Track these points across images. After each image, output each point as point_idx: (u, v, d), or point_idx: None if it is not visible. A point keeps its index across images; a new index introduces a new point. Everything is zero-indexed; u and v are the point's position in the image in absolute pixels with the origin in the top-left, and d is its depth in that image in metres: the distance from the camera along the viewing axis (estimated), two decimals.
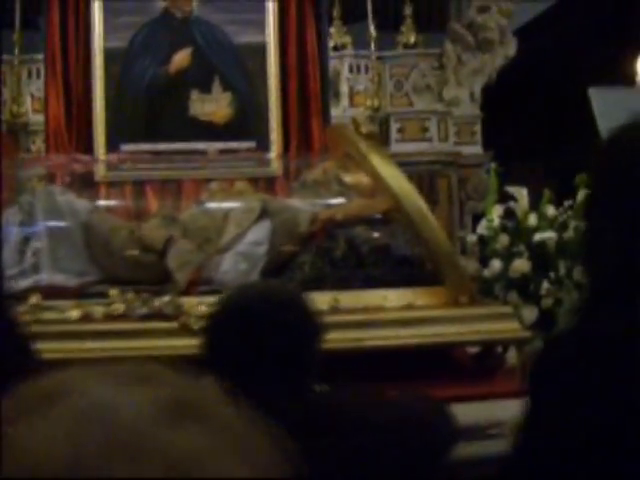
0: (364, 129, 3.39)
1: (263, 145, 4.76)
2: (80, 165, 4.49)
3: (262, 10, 4.72)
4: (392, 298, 3.16)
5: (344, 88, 5.48)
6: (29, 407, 0.57)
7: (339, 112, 5.40)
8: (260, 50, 4.74)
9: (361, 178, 3.44)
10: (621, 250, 1.29)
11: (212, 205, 3.50)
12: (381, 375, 2.88)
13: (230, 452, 0.58)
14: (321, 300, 3.09)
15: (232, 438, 0.59)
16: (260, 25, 4.73)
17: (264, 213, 3.32)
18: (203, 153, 4.67)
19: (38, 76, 5.18)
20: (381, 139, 5.17)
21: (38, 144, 5.10)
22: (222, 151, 4.67)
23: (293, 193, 3.71)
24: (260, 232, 3.25)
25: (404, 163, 5.10)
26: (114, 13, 4.65)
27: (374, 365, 2.94)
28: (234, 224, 3.29)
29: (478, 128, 5.63)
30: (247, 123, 4.78)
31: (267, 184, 4.47)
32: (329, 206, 3.47)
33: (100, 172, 4.61)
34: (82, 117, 4.69)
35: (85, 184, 4.36)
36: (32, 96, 5.27)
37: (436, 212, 4.08)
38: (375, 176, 3.22)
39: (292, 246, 3.25)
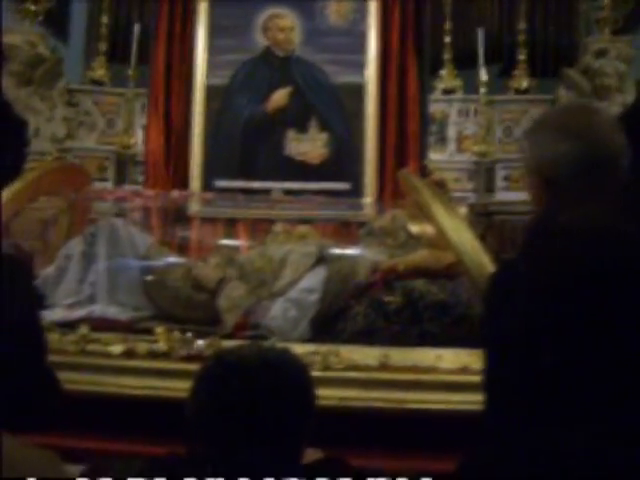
0: (435, 176, 3.22)
1: (357, 187, 4.68)
2: (173, 199, 4.54)
3: (363, 50, 4.66)
4: (446, 358, 2.95)
5: (451, 132, 5.31)
6: None
7: (445, 157, 5.23)
8: (359, 91, 4.67)
9: (428, 228, 3.27)
10: None
11: (271, 248, 3.43)
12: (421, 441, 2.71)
13: None
14: (370, 355, 2.95)
15: None
16: (360, 65, 4.67)
17: (321, 260, 3.21)
18: (297, 193, 4.64)
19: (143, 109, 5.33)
20: (485, 186, 4.95)
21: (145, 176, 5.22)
22: (315, 192, 4.62)
23: (359, 240, 3.58)
24: (314, 279, 3.14)
25: (506, 212, 4.88)
26: (217, 51, 4.73)
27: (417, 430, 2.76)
28: (290, 269, 3.20)
29: None
30: (342, 164, 4.72)
31: (359, 229, 4.35)
32: (392, 256, 3.32)
33: (193, 208, 4.66)
34: (180, 151, 4.77)
35: (177, 218, 4.42)
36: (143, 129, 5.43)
37: None
38: (438, 227, 3.04)
39: (346, 295, 3.11)
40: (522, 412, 1.35)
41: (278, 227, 3.73)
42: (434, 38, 5.28)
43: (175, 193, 4.48)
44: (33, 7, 5.44)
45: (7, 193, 3.44)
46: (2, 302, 1.61)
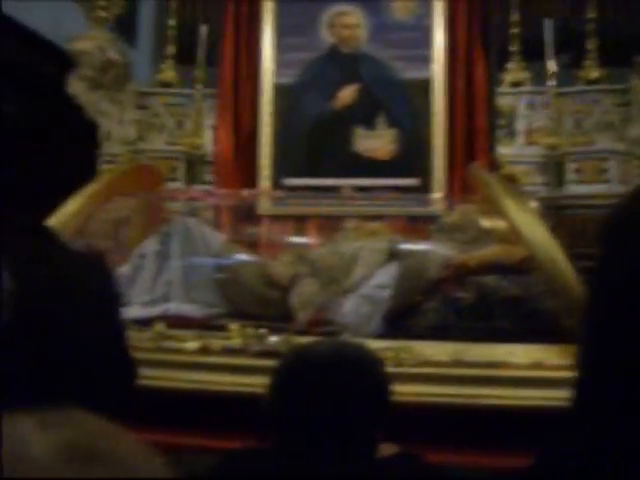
0: (505, 171, 3.19)
1: (426, 183, 4.66)
2: (244, 198, 4.60)
3: (430, 45, 4.63)
4: (519, 354, 2.93)
5: (520, 125, 5.23)
6: None
7: (514, 150, 5.16)
8: (426, 86, 4.65)
9: (499, 223, 3.24)
10: None
11: (343, 244, 3.45)
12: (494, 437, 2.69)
13: None
14: (443, 351, 2.94)
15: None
16: (427, 60, 4.65)
17: (393, 255, 3.21)
18: (366, 189, 4.64)
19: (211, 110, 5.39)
20: (555, 180, 4.87)
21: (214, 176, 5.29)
22: (383, 188, 4.62)
23: (430, 236, 3.57)
24: (386, 275, 3.15)
25: (577, 206, 4.79)
26: (284, 50, 4.76)
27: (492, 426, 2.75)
28: (361, 265, 3.21)
29: None
30: (411, 160, 4.71)
31: (429, 225, 4.34)
32: (463, 251, 3.30)
33: (263, 206, 4.71)
34: (249, 150, 4.82)
35: (248, 217, 4.47)
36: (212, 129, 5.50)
37: None
38: (509, 222, 3.02)
39: (418, 291, 3.11)
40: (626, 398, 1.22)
41: (350, 224, 3.75)
42: (501, 30, 5.22)
43: (245, 192, 4.53)
44: (103, 14, 5.55)
45: (83, 195, 3.54)
46: (89, 296, 1.66)
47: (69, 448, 0.70)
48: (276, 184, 4.75)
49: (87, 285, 1.67)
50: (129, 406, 1.85)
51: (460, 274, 3.16)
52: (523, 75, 5.34)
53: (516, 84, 5.31)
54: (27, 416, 0.74)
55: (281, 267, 3.29)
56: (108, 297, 1.77)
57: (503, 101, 5.15)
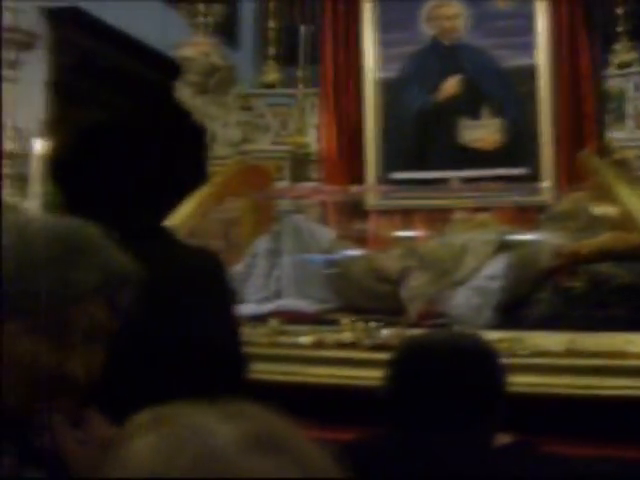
0: (617, 156, 3.12)
1: (534, 172, 4.59)
2: (350, 194, 4.65)
3: (532, 32, 4.56)
4: (636, 343, 2.86)
5: (630, 108, 5.08)
6: (142, 424, 0.75)
7: (625, 134, 5.02)
8: (530, 73, 4.58)
9: (612, 210, 3.17)
10: None
11: (452, 237, 3.44)
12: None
13: None
14: (556, 341, 2.91)
15: (307, 470, 0.71)
16: (530, 47, 4.57)
17: (503, 246, 3.19)
18: (473, 181, 4.61)
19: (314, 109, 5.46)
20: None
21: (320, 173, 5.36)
22: (490, 179, 4.58)
23: (540, 225, 3.52)
24: (497, 266, 3.13)
25: None
26: (384, 45, 4.78)
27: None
28: (471, 257, 3.20)
29: None
30: (517, 149, 4.64)
31: (538, 214, 4.28)
32: (575, 239, 3.25)
33: (370, 201, 4.74)
34: (354, 147, 4.86)
35: (355, 212, 4.52)
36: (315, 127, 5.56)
37: None
38: (623, 208, 2.95)
39: (529, 281, 3.08)
40: None
41: (458, 216, 3.74)
42: (605, 11, 5.08)
43: (352, 188, 4.57)
44: (204, 19, 5.70)
45: (195, 197, 3.66)
46: (207, 292, 1.73)
47: (253, 438, 0.72)
48: (382, 179, 4.77)
49: (205, 282, 1.74)
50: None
51: (572, 263, 3.11)
52: (631, 56, 5.18)
53: (624, 65, 5.16)
54: (207, 409, 0.76)
55: (390, 261, 3.32)
56: (224, 293, 1.84)
57: (610, 84, 5.01)
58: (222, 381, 1.70)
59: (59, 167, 1.86)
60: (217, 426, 0.72)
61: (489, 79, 4.67)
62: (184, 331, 1.62)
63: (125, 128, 1.84)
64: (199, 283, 1.71)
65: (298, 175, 5.25)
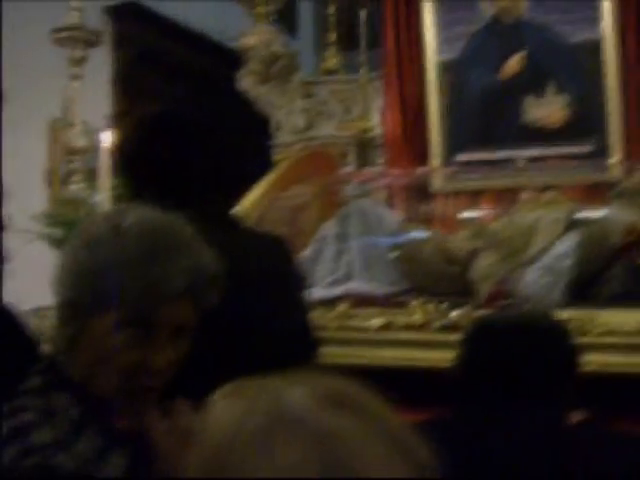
0: None
1: (601, 148, 4.51)
2: (415, 176, 4.64)
3: (596, 5, 4.47)
4: None
5: None
6: (222, 393, 0.79)
7: None
8: (596, 47, 4.49)
9: None
10: None
11: (520, 216, 3.42)
12: None
13: (379, 440, 0.72)
14: (629, 319, 2.87)
15: (382, 429, 0.73)
16: (594, 21, 4.49)
17: (572, 224, 3.16)
18: (538, 160, 4.56)
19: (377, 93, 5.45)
20: None
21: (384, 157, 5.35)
22: (557, 157, 4.52)
23: (609, 202, 3.47)
24: (567, 245, 3.10)
25: None
26: (445, 25, 4.74)
27: None
28: (540, 236, 3.18)
29: None
30: (583, 126, 4.57)
31: (607, 191, 4.21)
32: None
33: (436, 183, 4.73)
34: (418, 129, 4.85)
35: (421, 194, 4.52)
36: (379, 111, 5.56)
37: None
38: None
39: (601, 259, 3.05)
40: None
41: (525, 195, 3.71)
42: None
43: (417, 170, 4.57)
44: (264, 9, 5.75)
45: (262, 185, 3.71)
46: (277, 278, 1.76)
47: (326, 397, 0.73)
48: (447, 160, 4.75)
49: (275, 268, 1.78)
50: None
51: None
52: None
53: None
54: (273, 377, 0.78)
55: (459, 242, 3.32)
56: (293, 278, 1.88)
57: None
58: (294, 366, 1.73)
59: (128, 159, 1.90)
60: (290, 388, 0.75)
61: (552, 56, 4.60)
62: (256, 318, 1.65)
63: (192, 116, 1.87)
64: (269, 270, 1.75)
65: (363, 160, 5.26)
